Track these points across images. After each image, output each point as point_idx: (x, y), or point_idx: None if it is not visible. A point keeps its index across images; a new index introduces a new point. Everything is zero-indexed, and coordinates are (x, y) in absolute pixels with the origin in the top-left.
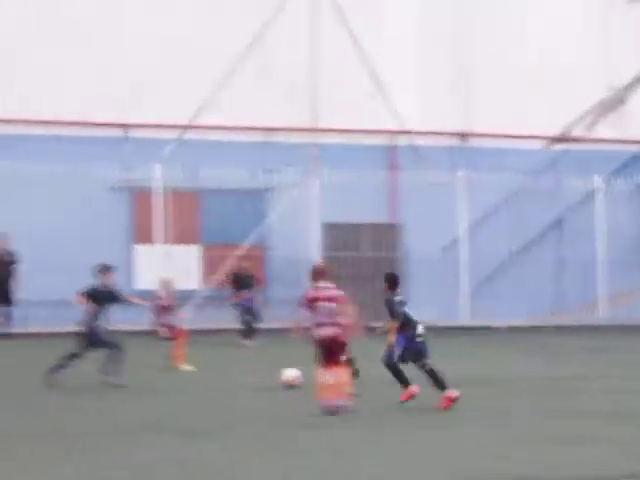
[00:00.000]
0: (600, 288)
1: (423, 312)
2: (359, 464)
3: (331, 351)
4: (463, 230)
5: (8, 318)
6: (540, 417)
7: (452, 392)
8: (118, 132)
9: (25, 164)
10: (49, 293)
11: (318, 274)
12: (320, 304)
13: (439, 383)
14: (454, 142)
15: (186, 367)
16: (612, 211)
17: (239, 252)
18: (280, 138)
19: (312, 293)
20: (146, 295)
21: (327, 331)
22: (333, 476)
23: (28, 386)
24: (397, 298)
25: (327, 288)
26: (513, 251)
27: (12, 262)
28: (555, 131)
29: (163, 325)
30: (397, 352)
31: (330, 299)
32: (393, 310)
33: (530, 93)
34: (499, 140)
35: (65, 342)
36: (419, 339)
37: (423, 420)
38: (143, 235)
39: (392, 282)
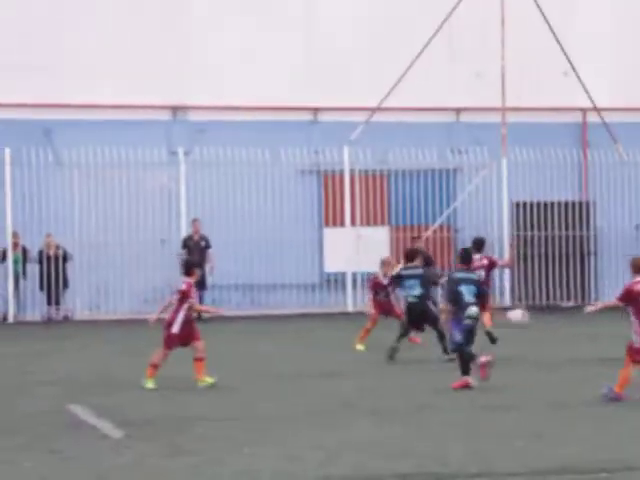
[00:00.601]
0: None
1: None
2: None
3: None
4: None
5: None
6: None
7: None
8: (308, 116)
9: (214, 149)
10: (240, 277)
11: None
12: None
13: (464, 368)
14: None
15: (359, 347)
16: None
17: (428, 233)
18: (468, 118)
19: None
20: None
21: None
22: None
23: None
24: (458, 275)
25: None
26: None
27: (207, 247)
28: None
29: (378, 304)
30: (456, 337)
31: None
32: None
33: None
34: None
35: (258, 325)
36: (467, 321)
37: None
38: (332, 218)
39: (463, 258)
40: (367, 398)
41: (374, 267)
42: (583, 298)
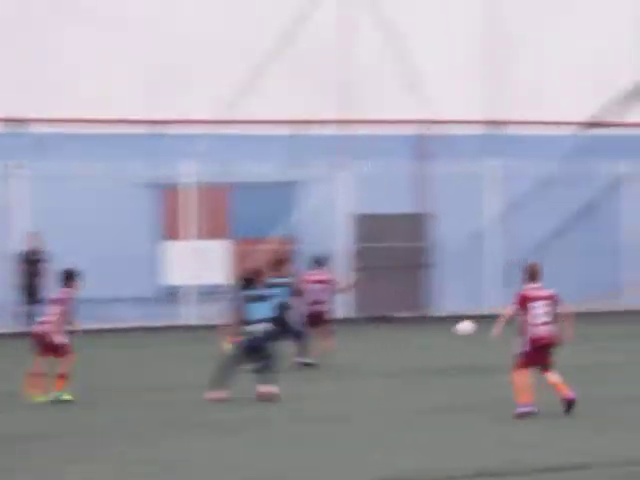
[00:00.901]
0: (626, 274)
1: (452, 301)
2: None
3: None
4: (494, 219)
5: (31, 316)
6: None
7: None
8: (149, 129)
9: (58, 163)
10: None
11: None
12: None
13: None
14: (484, 130)
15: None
16: None
17: (268, 246)
18: (309, 131)
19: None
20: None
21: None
22: None
23: None
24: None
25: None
26: (544, 238)
27: (41, 260)
28: (586, 117)
29: None
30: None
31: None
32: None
33: (561, 79)
34: (529, 127)
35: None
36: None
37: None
38: (173, 231)
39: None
40: (200, 412)
41: (214, 280)
42: (421, 308)
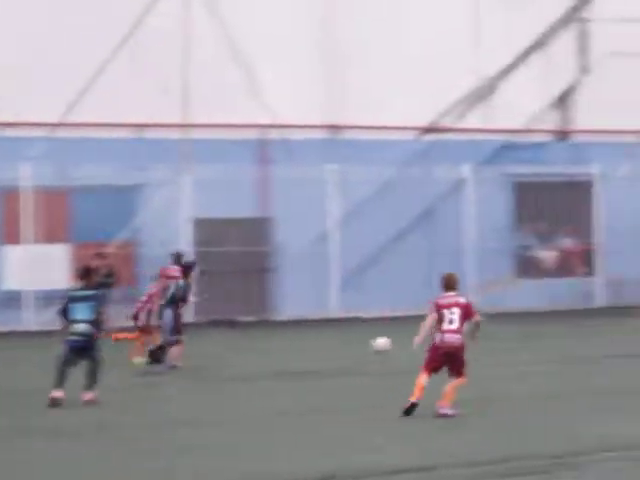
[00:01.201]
0: (470, 276)
1: (295, 305)
2: None
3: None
4: (335, 223)
5: None
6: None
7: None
8: None
9: None
10: None
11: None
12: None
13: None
14: (326, 135)
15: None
16: (481, 200)
17: (109, 250)
18: (152, 134)
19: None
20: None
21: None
22: None
23: None
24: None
25: (452, 296)
26: (385, 242)
27: None
28: (425, 122)
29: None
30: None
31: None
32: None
33: (401, 84)
34: (370, 132)
35: None
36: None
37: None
38: (11, 235)
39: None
40: (40, 416)
41: (53, 285)
42: (263, 312)
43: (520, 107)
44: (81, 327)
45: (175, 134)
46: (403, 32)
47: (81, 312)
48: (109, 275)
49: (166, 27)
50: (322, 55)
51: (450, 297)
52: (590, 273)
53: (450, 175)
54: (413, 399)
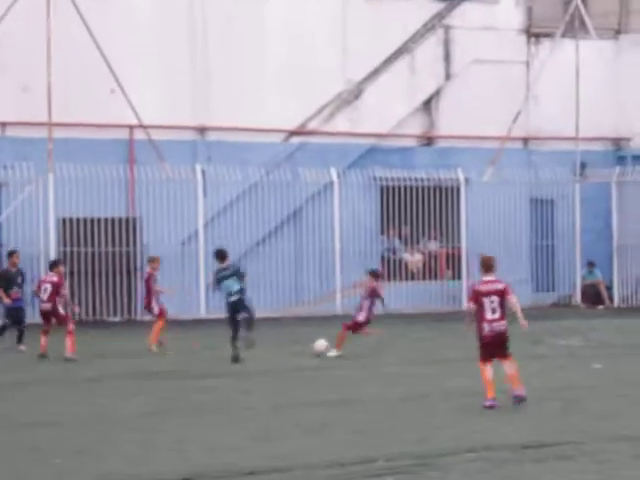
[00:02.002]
0: (338, 278)
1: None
2: None
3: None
4: (202, 224)
5: None
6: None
7: None
8: None
9: None
10: None
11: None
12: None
13: None
14: (194, 136)
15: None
16: (348, 203)
17: None
18: (14, 132)
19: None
20: None
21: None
22: None
23: None
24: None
25: (491, 282)
26: (252, 243)
27: None
28: (293, 125)
29: None
30: None
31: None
32: None
33: (269, 87)
34: (238, 134)
35: None
36: None
37: None
38: None
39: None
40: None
41: None
42: (130, 313)
43: (386, 111)
44: None
45: (40, 133)
46: (271, 35)
47: None
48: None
49: (29, 22)
50: (191, 56)
51: (489, 283)
52: (456, 276)
53: (318, 178)
54: (491, 395)
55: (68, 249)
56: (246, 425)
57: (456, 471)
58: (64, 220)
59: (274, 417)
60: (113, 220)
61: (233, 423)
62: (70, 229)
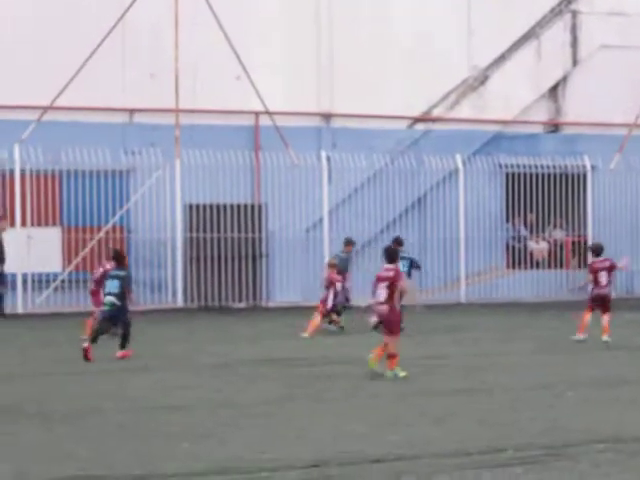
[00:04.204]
0: (462, 266)
1: (285, 292)
2: None
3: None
4: (326, 211)
5: None
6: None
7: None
8: None
9: None
10: None
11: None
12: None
13: None
14: (318, 123)
15: None
16: (473, 190)
17: (100, 234)
18: (142, 119)
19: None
20: None
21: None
22: None
23: None
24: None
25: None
26: (376, 231)
27: None
28: (418, 111)
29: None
30: None
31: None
32: None
33: (393, 74)
34: (362, 121)
35: None
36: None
37: None
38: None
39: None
40: (34, 402)
41: (45, 267)
42: (255, 299)
43: (512, 98)
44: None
45: (166, 120)
46: (396, 22)
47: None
48: None
49: (156, 10)
50: (314, 43)
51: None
52: (582, 265)
53: (442, 165)
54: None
55: (194, 235)
56: (371, 413)
57: (586, 462)
58: (190, 206)
59: (399, 405)
60: (239, 206)
61: (358, 410)
62: (196, 215)
